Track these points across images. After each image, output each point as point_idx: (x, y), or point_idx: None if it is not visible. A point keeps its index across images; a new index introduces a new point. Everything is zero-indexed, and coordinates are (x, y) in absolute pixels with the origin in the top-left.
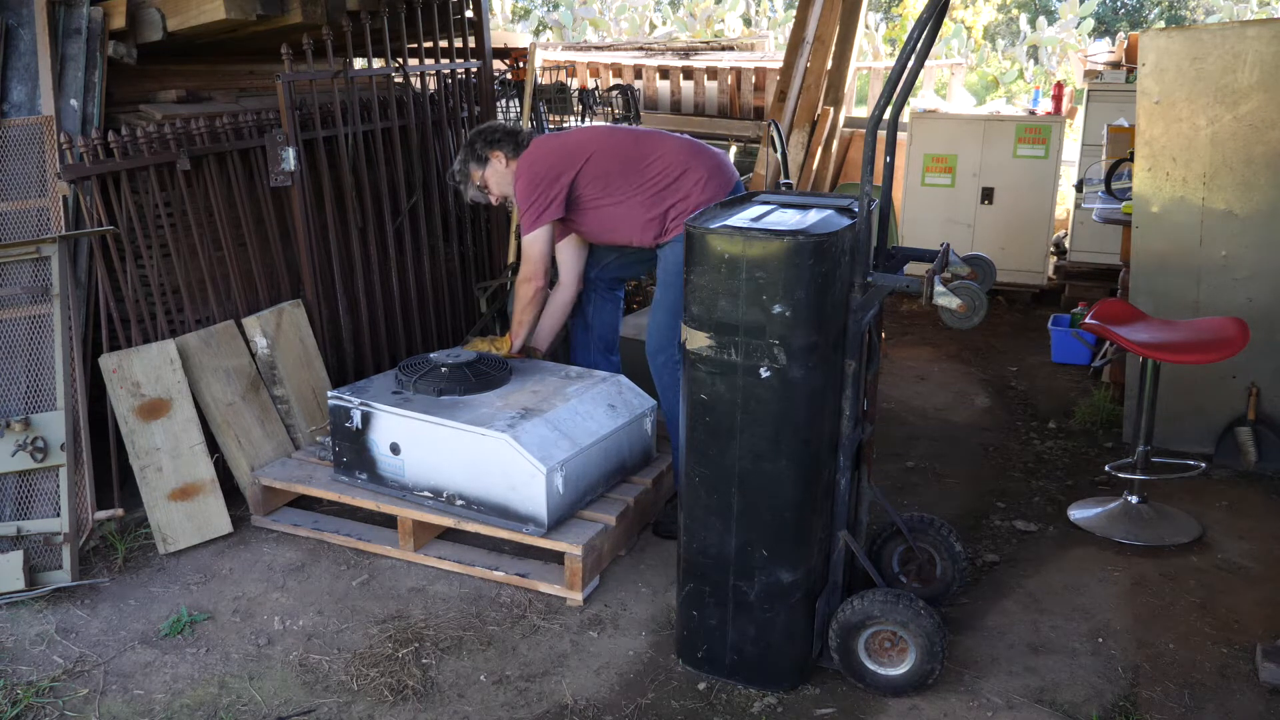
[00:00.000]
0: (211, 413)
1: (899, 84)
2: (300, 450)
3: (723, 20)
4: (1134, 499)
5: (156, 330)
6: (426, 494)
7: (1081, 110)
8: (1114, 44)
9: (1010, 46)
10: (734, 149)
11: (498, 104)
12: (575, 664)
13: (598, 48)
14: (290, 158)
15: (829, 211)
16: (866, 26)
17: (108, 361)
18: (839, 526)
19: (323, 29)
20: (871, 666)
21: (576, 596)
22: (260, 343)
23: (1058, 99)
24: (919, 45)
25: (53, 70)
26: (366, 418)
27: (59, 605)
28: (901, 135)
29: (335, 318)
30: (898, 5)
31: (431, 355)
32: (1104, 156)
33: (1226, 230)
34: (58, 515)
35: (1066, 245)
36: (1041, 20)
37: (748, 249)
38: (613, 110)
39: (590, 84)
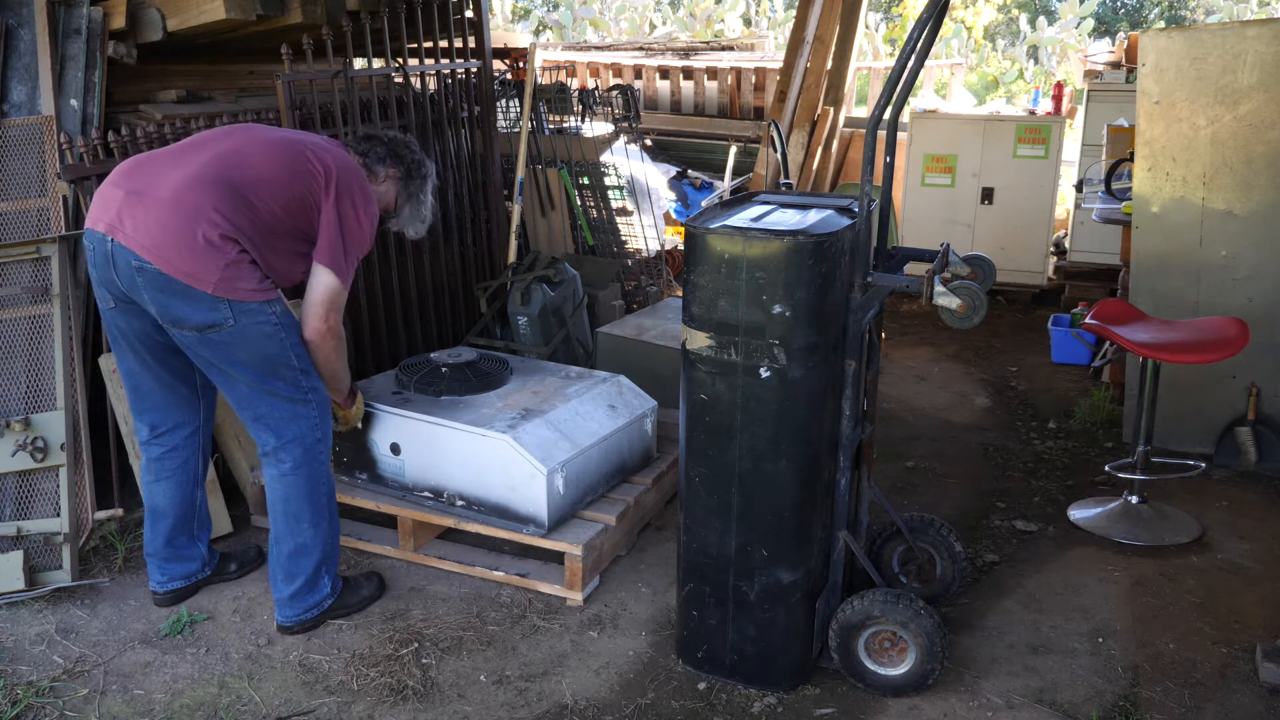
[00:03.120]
0: None
1: (899, 84)
2: None
3: (723, 20)
4: (1134, 499)
5: None
6: (426, 494)
7: (1081, 110)
8: (1114, 44)
9: (1010, 46)
10: (734, 149)
11: (498, 104)
12: (575, 664)
13: (598, 48)
14: None
15: (829, 211)
16: (866, 26)
17: (108, 361)
18: (839, 526)
19: (323, 29)
20: (871, 666)
21: (576, 596)
22: None
23: (1058, 99)
24: (919, 45)
25: (53, 70)
26: (367, 418)
27: (59, 605)
28: (901, 135)
29: None
30: (898, 5)
31: (432, 355)
32: (1104, 156)
33: (1226, 230)
34: (58, 515)
35: (1066, 245)
36: (1041, 20)
37: (748, 249)
38: (613, 110)
39: (590, 84)
